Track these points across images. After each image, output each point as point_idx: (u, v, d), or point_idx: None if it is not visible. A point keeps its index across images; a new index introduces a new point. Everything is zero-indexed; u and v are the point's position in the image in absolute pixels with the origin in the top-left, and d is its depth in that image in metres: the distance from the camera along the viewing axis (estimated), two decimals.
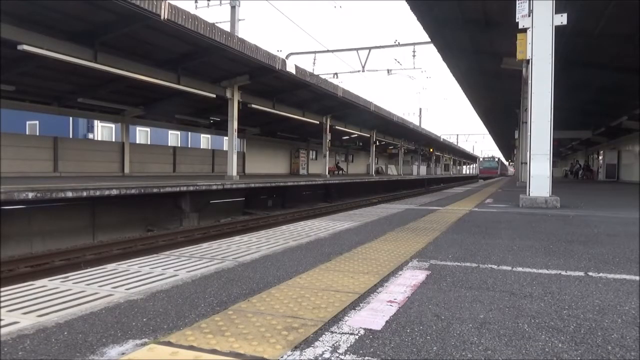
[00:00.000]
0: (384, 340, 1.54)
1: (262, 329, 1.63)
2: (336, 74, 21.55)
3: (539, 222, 5.17)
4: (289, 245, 3.54)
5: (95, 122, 24.44)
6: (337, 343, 1.51)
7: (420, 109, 77.44)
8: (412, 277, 2.46)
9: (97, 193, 9.09)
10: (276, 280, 2.39)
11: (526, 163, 7.87)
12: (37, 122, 24.09)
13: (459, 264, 2.83)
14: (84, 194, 8.86)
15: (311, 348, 1.47)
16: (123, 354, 1.41)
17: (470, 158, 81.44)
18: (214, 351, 1.44)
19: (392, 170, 48.12)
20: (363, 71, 21.07)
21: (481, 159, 61.23)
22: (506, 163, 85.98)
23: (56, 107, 15.88)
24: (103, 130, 25.75)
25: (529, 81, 7.30)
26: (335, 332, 1.61)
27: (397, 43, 20.29)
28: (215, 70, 14.27)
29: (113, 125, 24.97)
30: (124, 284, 2.34)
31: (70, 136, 23.75)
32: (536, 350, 1.46)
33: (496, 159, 58.21)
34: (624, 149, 27.15)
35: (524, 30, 7.30)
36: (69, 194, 8.54)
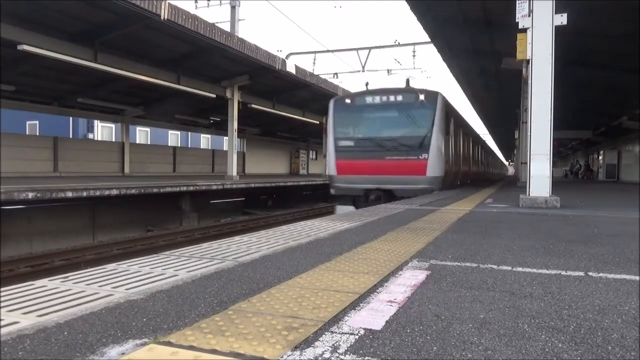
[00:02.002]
0: (384, 340, 1.54)
1: (262, 329, 1.63)
2: (336, 74, 21.54)
3: (539, 222, 5.17)
4: (289, 245, 3.54)
5: (95, 122, 24.45)
6: (337, 343, 1.51)
7: None
8: (412, 277, 2.46)
9: (97, 193, 9.10)
10: (276, 280, 2.39)
11: (526, 163, 7.87)
12: (37, 122, 24.10)
13: (459, 264, 2.83)
14: (84, 194, 8.87)
15: (311, 348, 1.47)
16: (123, 354, 1.41)
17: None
18: (214, 351, 1.44)
19: None
20: (363, 71, 21.05)
21: (334, 103, 11.30)
22: (502, 157, 56.01)
23: (56, 107, 15.89)
24: (103, 130, 25.75)
25: (529, 81, 7.30)
26: (335, 332, 1.61)
27: (397, 43, 20.27)
28: (215, 70, 14.28)
29: (113, 125, 24.97)
30: (124, 284, 2.34)
31: (70, 136, 23.76)
32: (536, 350, 1.46)
33: (420, 98, 10.29)
34: (624, 149, 27.14)
35: (524, 30, 7.29)
36: (69, 194, 8.54)
